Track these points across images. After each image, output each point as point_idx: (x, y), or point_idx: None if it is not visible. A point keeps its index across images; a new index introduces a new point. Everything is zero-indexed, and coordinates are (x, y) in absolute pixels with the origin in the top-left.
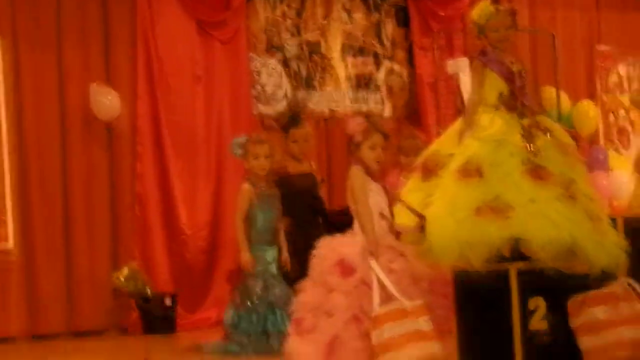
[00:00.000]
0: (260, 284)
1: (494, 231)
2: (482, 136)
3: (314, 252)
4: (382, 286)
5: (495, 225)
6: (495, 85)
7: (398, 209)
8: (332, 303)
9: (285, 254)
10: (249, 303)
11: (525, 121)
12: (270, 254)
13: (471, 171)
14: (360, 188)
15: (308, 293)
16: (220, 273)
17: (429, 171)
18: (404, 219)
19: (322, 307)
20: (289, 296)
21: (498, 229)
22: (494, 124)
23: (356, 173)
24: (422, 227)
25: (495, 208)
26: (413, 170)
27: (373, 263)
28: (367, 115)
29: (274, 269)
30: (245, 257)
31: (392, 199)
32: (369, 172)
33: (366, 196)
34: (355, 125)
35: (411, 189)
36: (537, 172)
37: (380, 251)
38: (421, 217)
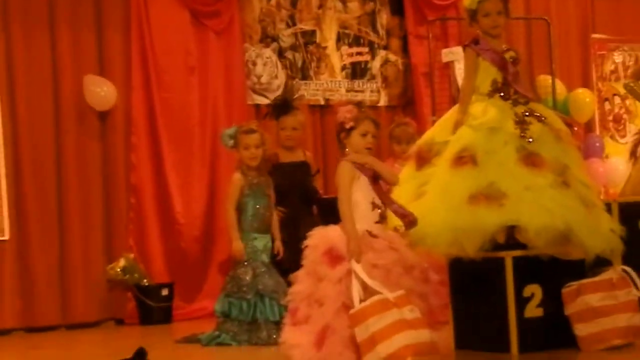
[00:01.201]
0: (250, 273)
1: (488, 218)
2: (476, 124)
3: (307, 241)
4: (364, 285)
5: (490, 212)
6: (488, 73)
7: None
8: (322, 292)
9: (279, 242)
10: (238, 291)
11: (519, 108)
12: (261, 242)
13: (465, 159)
14: (343, 185)
15: (301, 283)
16: (215, 263)
17: (423, 159)
18: (396, 220)
19: (313, 296)
20: (279, 286)
21: (492, 216)
22: (487, 112)
23: (342, 169)
24: (410, 224)
25: (490, 195)
26: (407, 159)
27: (353, 264)
28: (358, 103)
29: (264, 257)
30: (236, 245)
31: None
32: (358, 165)
33: (348, 195)
34: (345, 112)
35: (405, 178)
36: (531, 159)
37: (364, 249)
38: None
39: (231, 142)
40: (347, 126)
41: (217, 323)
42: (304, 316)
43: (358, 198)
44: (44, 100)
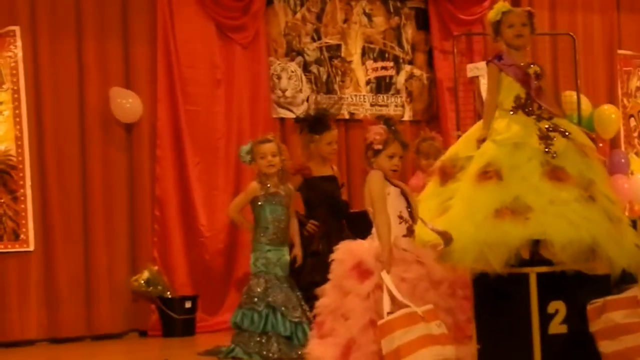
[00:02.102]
0: (262, 285)
1: (514, 232)
2: (500, 140)
3: (333, 255)
4: (392, 297)
5: (515, 226)
6: (511, 88)
7: (419, 226)
8: (349, 306)
9: (298, 249)
10: (249, 302)
11: (543, 124)
12: (276, 255)
13: (490, 174)
14: (378, 195)
15: (328, 296)
16: (239, 275)
17: (447, 175)
18: (425, 235)
19: (339, 310)
20: (289, 300)
21: (518, 230)
22: (511, 127)
23: (374, 178)
24: (447, 242)
25: (515, 210)
26: (431, 174)
27: (384, 274)
28: (388, 122)
29: (278, 270)
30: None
31: (412, 201)
32: (386, 176)
33: (384, 204)
34: (375, 134)
35: (429, 194)
36: (555, 173)
37: (394, 262)
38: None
39: (248, 157)
40: (376, 147)
41: (232, 335)
42: (329, 329)
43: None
44: (70, 111)
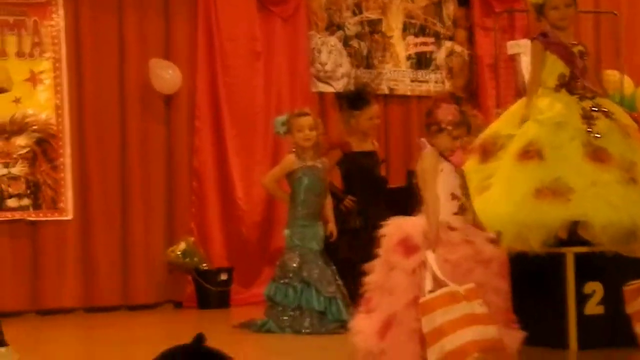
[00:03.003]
0: (297, 259)
1: (554, 213)
2: (542, 119)
3: (382, 230)
4: (435, 276)
5: (555, 207)
6: (555, 67)
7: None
8: (393, 281)
9: (332, 225)
10: (284, 277)
11: (586, 103)
12: (311, 230)
13: (531, 153)
14: (429, 173)
15: (375, 272)
16: (275, 249)
17: (488, 153)
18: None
19: (385, 285)
20: (323, 275)
21: (558, 211)
22: (553, 106)
23: (428, 156)
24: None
25: (556, 190)
26: (471, 151)
27: (429, 253)
28: (459, 102)
29: (314, 245)
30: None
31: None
32: (443, 153)
33: (434, 182)
34: (448, 113)
35: (469, 171)
36: (597, 154)
37: (440, 242)
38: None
39: (283, 128)
40: (444, 126)
41: (265, 308)
42: (376, 305)
43: (438, 188)
44: (110, 81)
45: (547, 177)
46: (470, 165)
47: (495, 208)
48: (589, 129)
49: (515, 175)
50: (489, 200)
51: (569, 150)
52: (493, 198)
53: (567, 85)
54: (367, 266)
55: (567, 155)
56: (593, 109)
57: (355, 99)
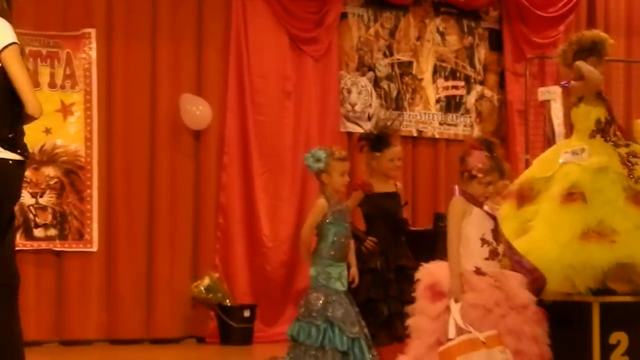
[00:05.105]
0: (322, 299)
1: (601, 255)
2: (585, 165)
3: (416, 275)
4: (457, 325)
5: (601, 249)
6: (597, 109)
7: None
8: (417, 326)
9: (354, 269)
10: (308, 316)
11: (622, 149)
12: (337, 270)
13: (575, 196)
14: (453, 223)
15: (413, 316)
16: (299, 287)
17: (525, 197)
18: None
19: (415, 328)
20: (347, 316)
21: (604, 253)
22: (592, 152)
23: (454, 205)
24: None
25: (601, 232)
26: (507, 197)
27: (452, 303)
28: (490, 148)
29: (339, 285)
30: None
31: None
32: (471, 197)
33: (457, 233)
34: (478, 161)
35: (506, 216)
36: (639, 198)
37: (465, 288)
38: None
39: (319, 165)
40: (474, 174)
41: (288, 347)
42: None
43: (468, 233)
44: (140, 115)
45: (591, 220)
46: (507, 210)
47: (540, 250)
48: (630, 175)
49: (560, 217)
50: (533, 242)
51: (610, 194)
52: (537, 239)
53: (603, 131)
54: (408, 309)
55: (609, 199)
56: (630, 155)
57: (376, 141)
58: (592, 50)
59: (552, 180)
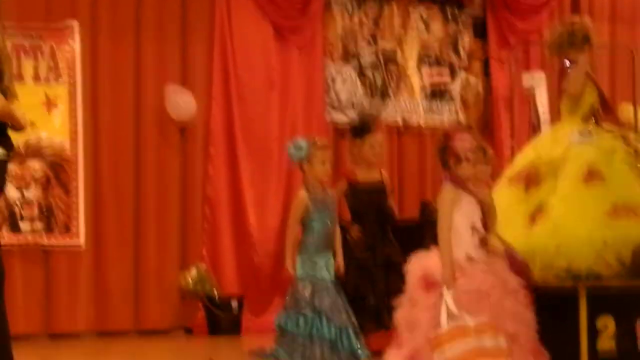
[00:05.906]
0: (309, 288)
1: (633, 230)
2: (595, 143)
3: (407, 266)
4: (449, 312)
5: (634, 224)
6: (590, 95)
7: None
8: (415, 317)
9: (340, 259)
10: (295, 306)
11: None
12: (322, 258)
13: (594, 175)
14: (443, 212)
15: (402, 308)
16: (286, 278)
17: (532, 180)
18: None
19: (409, 320)
20: (335, 305)
21: (637, 227)
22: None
23: (443, 194)
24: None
25: (628, 208)
26: (514, 181)
27: (444, 291)
28: (470, 130)
29: (325, 274)
30: (289, 263)
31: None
32: (466, 183)
33: (448, 222)
34: (463, 142)
35: (515, 201)
36: None
37: (457, 276)
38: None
39: (300, 153)
40: (463, 155)
41: (275, 336)
42: (404, 340)
43: (458, 222)
44: (125, 107)
45: (615, 197)
46: (515, 194)
47: (566, 229)
48: (633, 153)
49: (584, 196)
50: (557, 222)
51: (622, 172)
52: (563, 219)
53: (596, 115)
54: (395, 302)
55: (624, 177)
56: (625, 137)
57: (357, 128)
58: (585, 40)
59: (565, 160)
